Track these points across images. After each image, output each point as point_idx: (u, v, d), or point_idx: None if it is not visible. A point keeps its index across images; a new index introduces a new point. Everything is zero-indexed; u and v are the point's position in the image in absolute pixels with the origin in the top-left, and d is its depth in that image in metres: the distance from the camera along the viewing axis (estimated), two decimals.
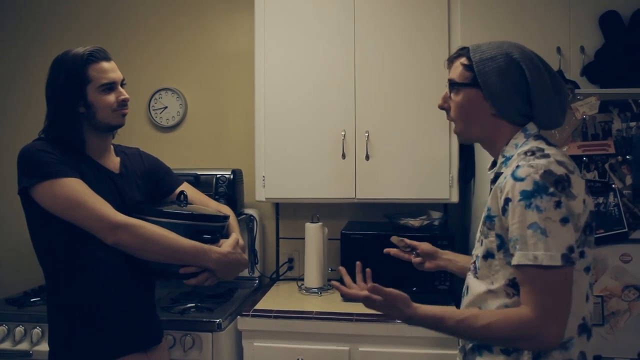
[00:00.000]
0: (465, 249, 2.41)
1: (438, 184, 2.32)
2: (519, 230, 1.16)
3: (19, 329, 2.12)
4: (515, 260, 1.17)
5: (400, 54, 2.33)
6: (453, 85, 1.35)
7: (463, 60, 1.33)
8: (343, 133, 2.34)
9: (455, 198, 2.33)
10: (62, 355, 1.54)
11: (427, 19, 2.31)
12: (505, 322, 1.17)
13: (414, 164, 2.33)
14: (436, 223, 2.40)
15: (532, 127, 1.31)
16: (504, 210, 1.20)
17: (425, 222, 2.36)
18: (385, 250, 1.66)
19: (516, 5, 2.25)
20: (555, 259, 1.13)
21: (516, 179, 1.18)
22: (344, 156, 2.35)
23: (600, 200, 1.89)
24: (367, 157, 2.33)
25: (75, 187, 1.46)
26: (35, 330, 2.10)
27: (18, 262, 2.80)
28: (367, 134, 2.33)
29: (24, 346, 2.11)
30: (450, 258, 1.62)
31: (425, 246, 1.63)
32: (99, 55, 1.58)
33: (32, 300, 2.28)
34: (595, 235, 1.28)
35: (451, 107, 1.37)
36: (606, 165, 1.91)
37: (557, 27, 2.22)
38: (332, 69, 2.36)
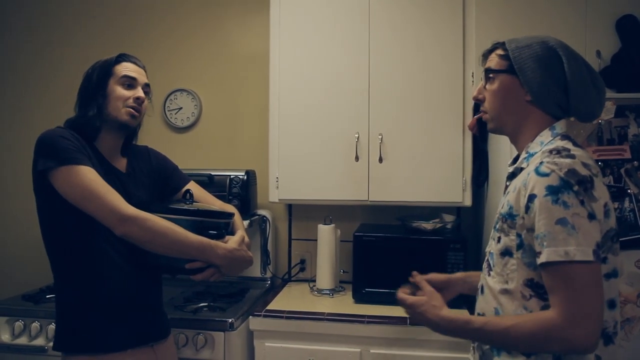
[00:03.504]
0: (478, 253, 2.40)
1: (451, 187, 2.32)
2: (546, 226, 1.13)
3: (35, 325, 2.15)
4: (543, 258, 1.14)
5: (414, 57, 2.33)
6: (489, 72, 1.35)
7: (499, 51, 1.34)
8: (357, 135, 2.35)
9: (468, 201, 2.33)
10: (68, 347, 1.56)
11: (442, 22, 2.31)
12: (530, 323, 1.15)
13: (427, 167, 2.32)
14: (449, 226, 2.40)
15: (560, 127, 1.30)
16: (527, 207, 1.18)
17: (438, 226, 2.35)
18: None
19: (532, 8, 2.24)
20: (587, 254, 1.10)
21: (540, 174, 1.17)
22: (357, 158, 2.35)
23: (616, 205, 1.87)
24: (381, 160, 2.34)
25: (90, 176, 1.49)
26: (51, 326, 2.13)
27: (34, 259, 2.82)
28: (380, 137, 2.34)
29: (39, 342, 2.14)
30: (463, 278, 1.54)
31: (434, 277, 1.50)
32: (129, 57, 1.69)
33: (47, 296, 2.31)
34: None
35: (486, 98, 1.37)
36: (622, 171, 1.89)
37: (573, 31, 2.20)
38: (347, 72, 2.37)
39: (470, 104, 2.30)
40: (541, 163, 1.19)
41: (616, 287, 1.22)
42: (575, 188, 1.13)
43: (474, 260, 2.40)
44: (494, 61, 1.34)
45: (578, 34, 2.20)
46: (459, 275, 1.57)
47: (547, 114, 1.31)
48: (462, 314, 1.32)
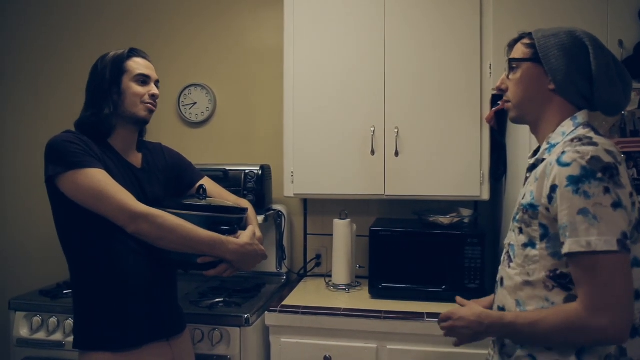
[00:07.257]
0: (496, 247, 2.36)
1: (469, 181, 2.28)
2: (568, 216, 1.13)
3: (52, 320, 2.17)
4: (565, 248, 1.13)
5: (430, 50, 2.30)
6: (512, 62, 1.34)
7: (525, 40, 1.34)
8: (372, 129, 2.32)
9: (486, 195, 2.29)
10: (86, 344, 1.57)
11: (458, 13, 2.27)
12: (554, 315, 1.15)
13: (444, 161, 2.29)
14: (466, 221, 2.36)
15: (582, 117, 1.28)
16: (550, 198, 1.17)
17: (455, 220, 2.32)
18: None
19: None
20: (611, 244, 1.09)
21: (562, 164, 1.16)
22: (373, 152, 2.33)
23: None
24: (397, 154, 2.31)
25: (98, 178, 1.50)
26: (68, 321, 2.15)
27: (51, 254, 2.85)
28: (396, 130, 2.31)
29: (57, 337, 2.16)
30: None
31: (479, 301, 1.49)
32: (140, 53, 1.70)
33: (64, 292, 2.33)
34: None
35: (509, 87, 1.36)
36: None
37: (594, 21, 2.15)
38: (362, 65, 2.34)
39: (488, 96, 2.26)
40: (563, 153, 1.17)
41: (639, 277, 1.19)
42: (599, 175, 1.12)
43: (492, 255, 2.37)
44: (519, 51, 1.34)
45: (600, 23, 2.15)
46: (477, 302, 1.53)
47: (570, 104, 1.29)
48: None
